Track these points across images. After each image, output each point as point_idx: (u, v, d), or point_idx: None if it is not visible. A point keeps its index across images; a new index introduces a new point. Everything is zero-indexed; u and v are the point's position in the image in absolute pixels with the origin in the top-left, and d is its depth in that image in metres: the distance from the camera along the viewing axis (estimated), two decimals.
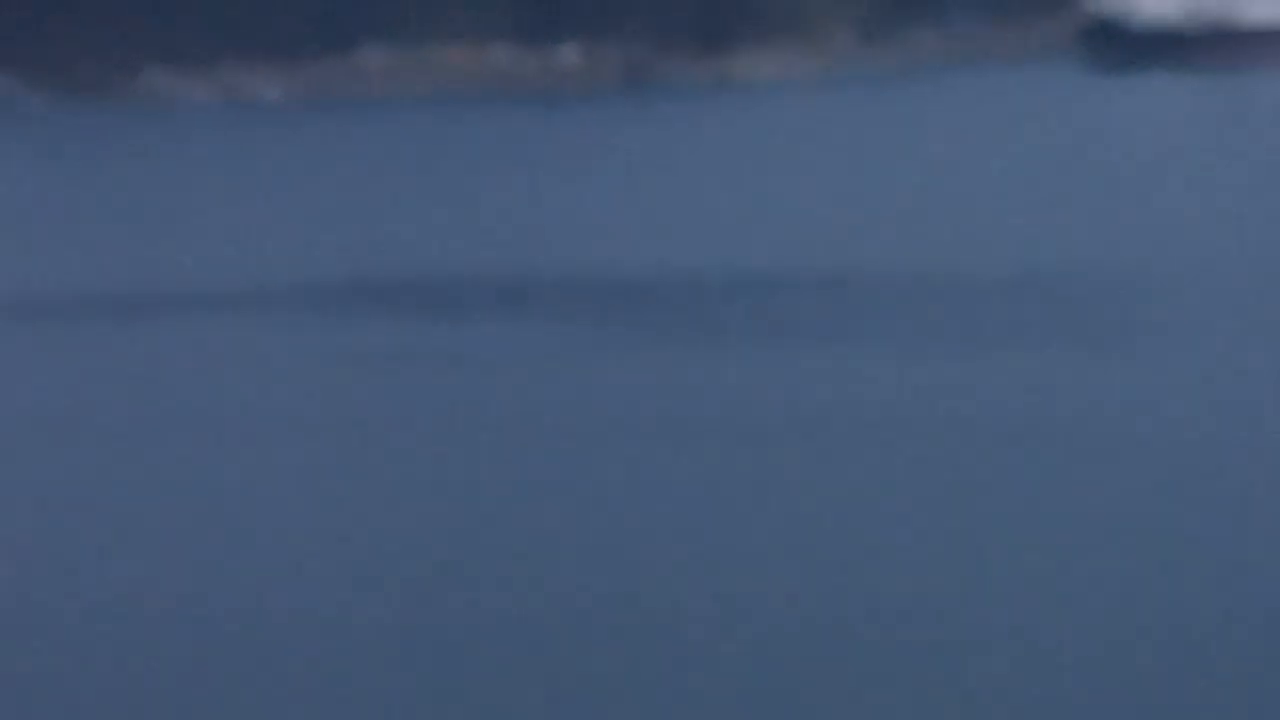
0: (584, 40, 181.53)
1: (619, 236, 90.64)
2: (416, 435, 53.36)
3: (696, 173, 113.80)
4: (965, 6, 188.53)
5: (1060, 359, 57.99)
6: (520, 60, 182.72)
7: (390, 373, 62.26)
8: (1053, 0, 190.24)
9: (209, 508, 45.54)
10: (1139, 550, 41.35)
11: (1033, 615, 33.76)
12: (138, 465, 50.81)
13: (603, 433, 52.17)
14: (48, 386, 61.90)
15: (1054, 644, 31.37)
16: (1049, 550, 40.50)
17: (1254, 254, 79.07)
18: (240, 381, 61.20)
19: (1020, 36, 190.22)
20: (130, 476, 49.28)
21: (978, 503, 43.99)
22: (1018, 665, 30.54)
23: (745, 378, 58.53)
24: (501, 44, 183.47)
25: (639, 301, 71.85)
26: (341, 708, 32.60)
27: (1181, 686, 28.33)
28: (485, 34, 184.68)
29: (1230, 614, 32.22)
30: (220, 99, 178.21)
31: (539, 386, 58.85)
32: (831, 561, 40.65)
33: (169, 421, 55.30)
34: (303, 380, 61.39)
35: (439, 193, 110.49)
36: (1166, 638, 31.37)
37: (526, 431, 52.89)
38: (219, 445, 52.85)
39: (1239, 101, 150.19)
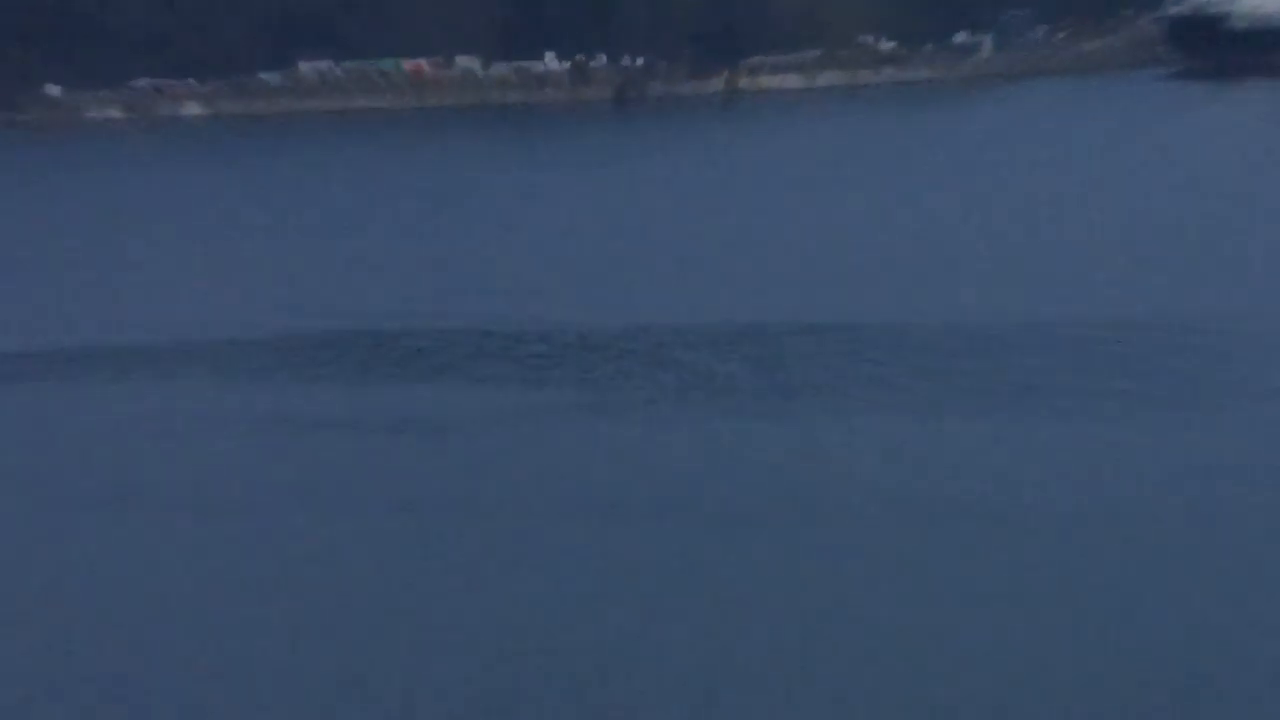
0: (570, 52, 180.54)
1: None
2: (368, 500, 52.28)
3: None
4: (1023, 7, 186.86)
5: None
6: (496, 74, 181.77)
7: (324, 442, 60.73)
8: (1129, 1, 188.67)
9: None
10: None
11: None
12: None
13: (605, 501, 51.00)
14: None
15: None
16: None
17: None
18: (154, 449, 59.90)
19: (1094, 44, 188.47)
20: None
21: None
22: None
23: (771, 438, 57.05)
24: (475, 56, 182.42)
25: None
26: None
27: None
28: (460, 45, 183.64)
29: None
30: (132, 118, 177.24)
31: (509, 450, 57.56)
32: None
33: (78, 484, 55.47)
34: (225, 447, 59.81)
35: (382, 234, 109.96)
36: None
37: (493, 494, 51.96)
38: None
39: None
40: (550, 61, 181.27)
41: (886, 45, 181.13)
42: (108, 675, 43.01)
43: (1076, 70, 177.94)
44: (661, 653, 41.78)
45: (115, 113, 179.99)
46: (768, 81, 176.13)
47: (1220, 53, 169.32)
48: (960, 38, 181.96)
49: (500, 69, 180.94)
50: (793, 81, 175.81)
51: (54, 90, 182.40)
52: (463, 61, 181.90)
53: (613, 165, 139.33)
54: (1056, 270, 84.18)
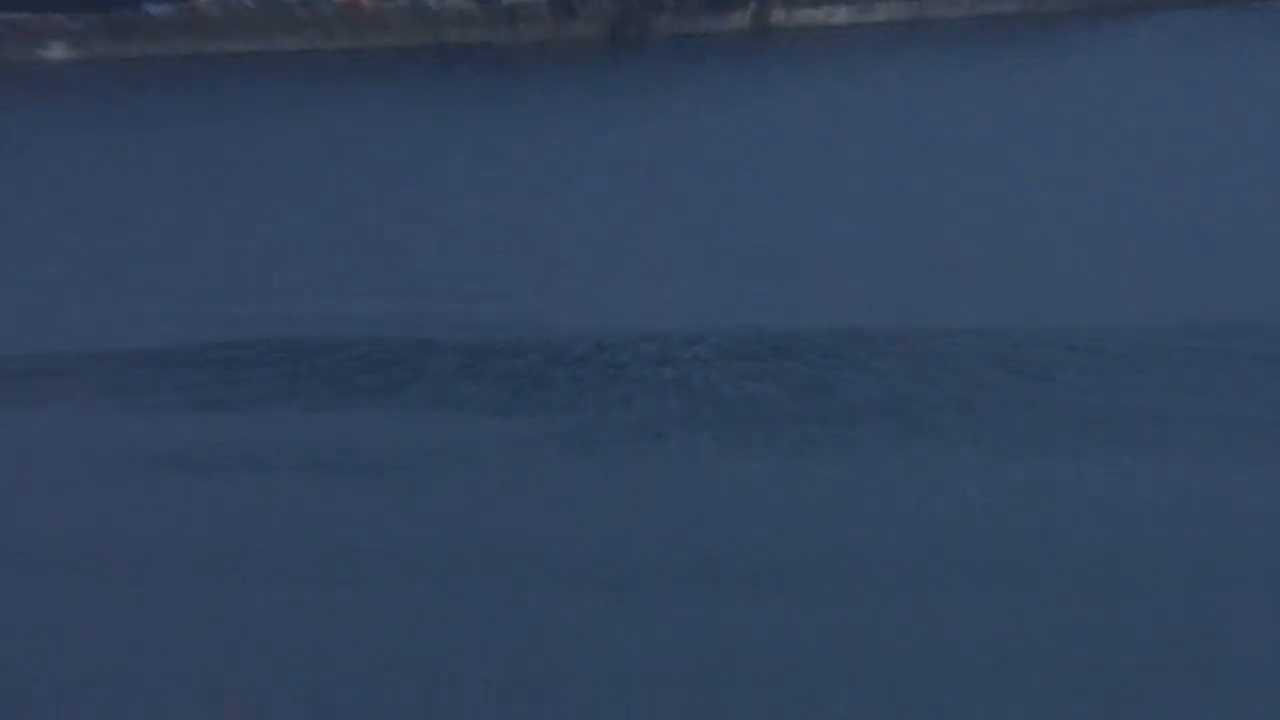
0: None
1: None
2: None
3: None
4: None
5: None
6: (454, 5, 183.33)
7: (234, 484, 60.88)
8: None
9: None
10: None
11: None
12: None
13: None
14: None
15: None
16: None
17: None
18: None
19: None
20: None
21: None
22: None
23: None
24: None
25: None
26: None
27: None
28: None
29: None
30: None
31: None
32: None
33: None
34: (110, 493, 59.51)
35: (303, 215, 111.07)
36: None
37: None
38: None
39: None
40: None
41: None
42: None
43: (1206, 2, 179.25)
44: None
45: None
46: (808, 15, 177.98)
47: None
48: None
49: (460, 0, 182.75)
50: (842, 15, 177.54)
51: None
52: None
53: (604, 123, 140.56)
54: (1195, 265, 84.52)
